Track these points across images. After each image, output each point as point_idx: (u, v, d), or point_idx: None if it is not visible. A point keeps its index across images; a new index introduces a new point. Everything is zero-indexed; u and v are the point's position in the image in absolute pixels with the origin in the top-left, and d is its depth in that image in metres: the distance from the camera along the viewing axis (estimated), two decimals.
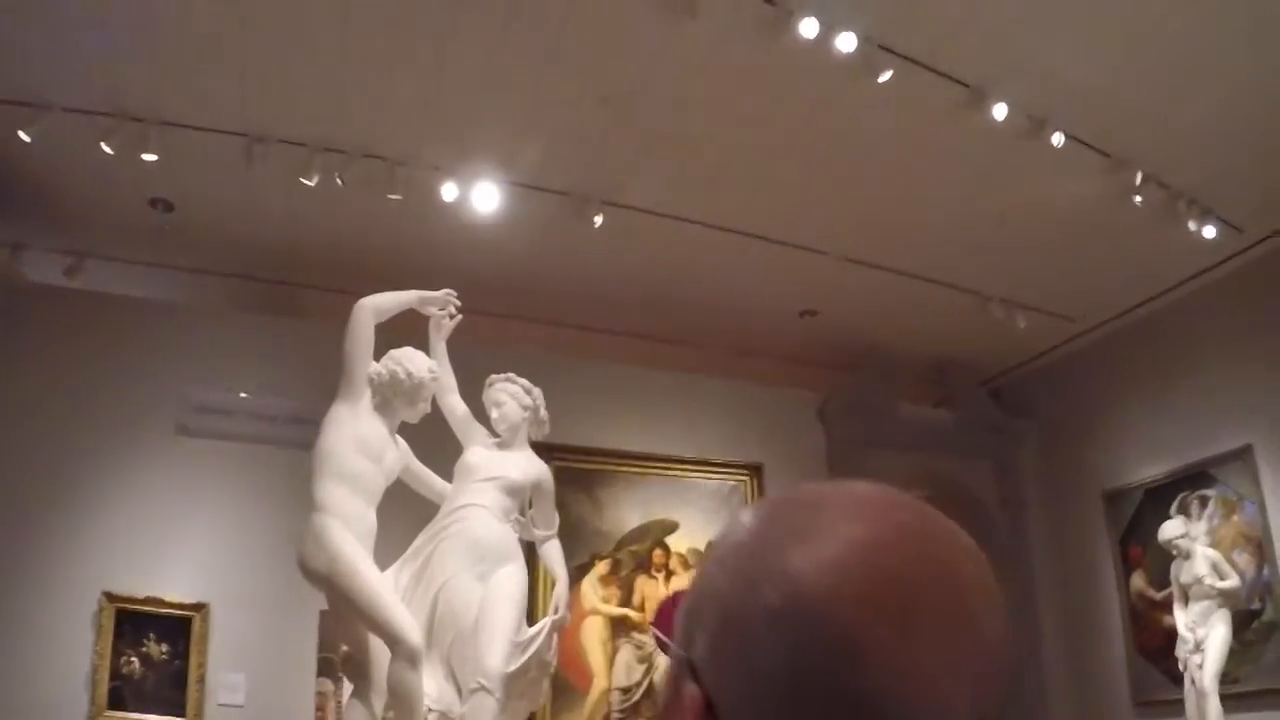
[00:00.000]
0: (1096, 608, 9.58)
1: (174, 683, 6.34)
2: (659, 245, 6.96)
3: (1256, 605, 8.04)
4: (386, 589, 3.30)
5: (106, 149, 5.55)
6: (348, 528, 3.29)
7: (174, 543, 6.54)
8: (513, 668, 3.15)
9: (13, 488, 6.38)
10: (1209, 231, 6.98)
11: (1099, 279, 7.98)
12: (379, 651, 3.30)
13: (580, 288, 7.54)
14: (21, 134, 5.43)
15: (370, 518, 3.43)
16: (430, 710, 3.26)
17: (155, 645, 6.38)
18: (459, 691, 3.33)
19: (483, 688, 3.11)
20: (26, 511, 6.38)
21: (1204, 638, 5.77)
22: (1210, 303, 8.32)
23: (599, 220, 6.27)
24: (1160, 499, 8.59)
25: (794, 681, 0.53)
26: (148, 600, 6.37)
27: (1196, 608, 5.85)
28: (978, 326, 8.27)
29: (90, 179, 6.22)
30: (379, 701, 3.32)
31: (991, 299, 7.96)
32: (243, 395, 6.93)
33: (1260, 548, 7.89)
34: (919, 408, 9.62)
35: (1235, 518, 8.26)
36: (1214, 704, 5.59)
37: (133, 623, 6.35)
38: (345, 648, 3.48)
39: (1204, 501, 8.53)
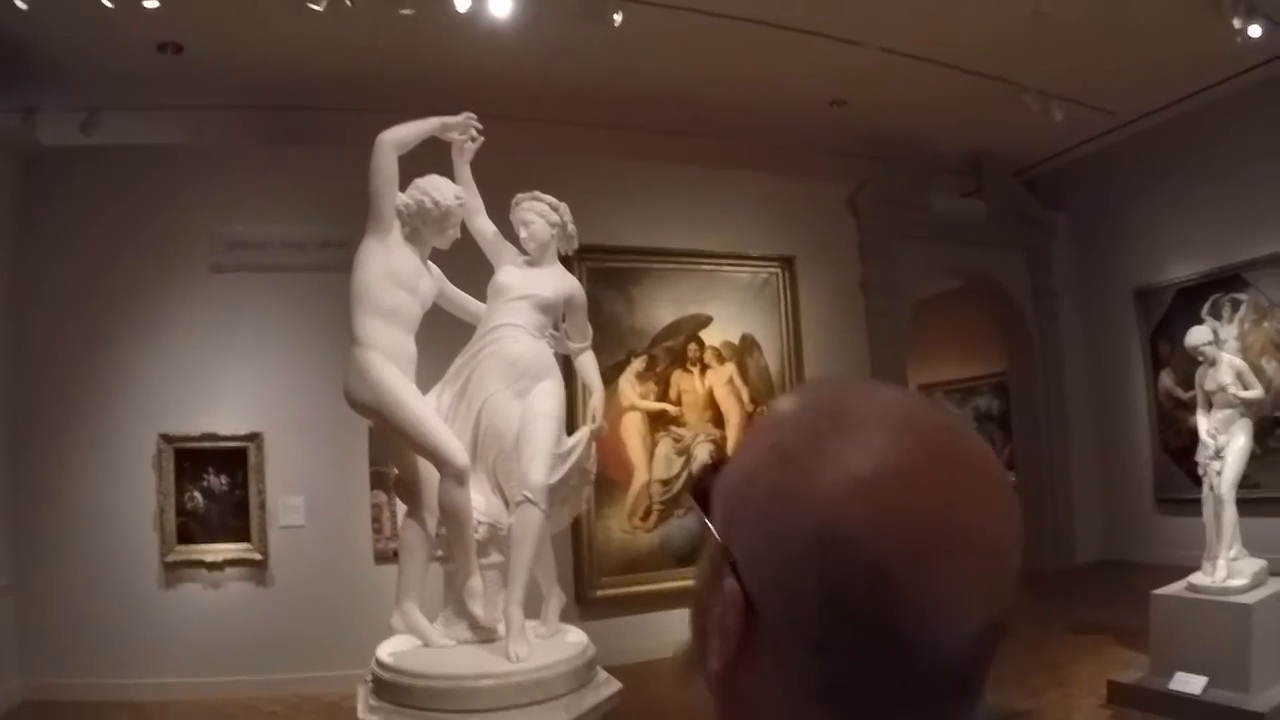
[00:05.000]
0: (1124, 404, 9.75)
1: (237, 511, 6.72)
2: (681, 40, 6.75)
3: None
4: (431, 414, 3.42)
5: (107, 2, 5.39)
6: (389, 359, 3.37)
7: (221, 378, 6.77)
8: (555, 479, 3.29)
9: (60, 348, 6.62)
10: (1254, 30, 6.70)
11: (1138, 73, 7.69)
12: (428, 473, 3.46)
13: (604, 88, 7.38)
14: (18, 1, 5.25)
15: (410, 346, 3.51)
16: (480, 523, 3.46)
17: (215, 478, 6.72)
18: (506, 504, 3.53)
19: (528, 500, 3.27)
20: (77, 369, 6.62)
21: (1224, 445, 5.71)
22: (1252, 103, 8.07)
23: (618, 18, 6.04)
24: (1192, 299, 8.65)
25: (828, 602, 0.57)
26: (203, 437, 6.68)
27: (1219, 415, 5.77)
28: (1012, 118, 8.08)
29: (95, 34, 6.09)
30: (431, 520, 3.52)
31: (1027, 89, 7.73)
32: (272, 227, 6.97)
33: None
34: (951, 199, 9.52)
35: (1266, 324, 8.29)
36: (1230, 511, 5.62)
37: (192, 459, 6.68)
38: (396, 471, 3.65)
39: (1236, 305, 8.49)
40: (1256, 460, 8.24)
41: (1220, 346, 7.77)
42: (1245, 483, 8.20)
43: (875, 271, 9.04)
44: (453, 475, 3.30)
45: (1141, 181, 9.38)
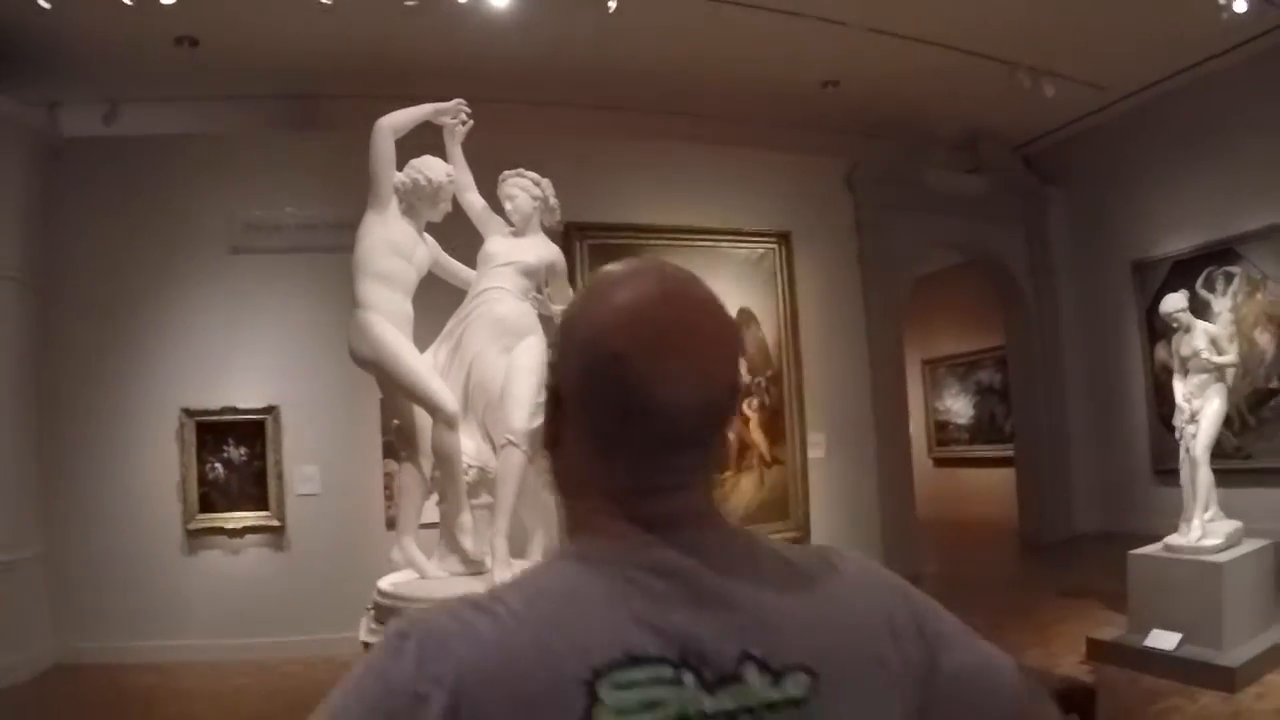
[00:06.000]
0: (1121, 377, 9.89)
1: (255, 481, 7.04)
2: (676, 25, 6.98)
3: (1275, 384, 8.31)
4: (425, 367, 3.72)
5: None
6: (388, 319, 3.70)
7: (240, 355, 7.08)
8: (536, 424, 3.56)
9: (86, 328, 6.94)
10: (1239, 5, 6.78)
11: (1130, 48, 7.86)
12: (423, 421, 3.76)
13: (602, 72, 7.61)
14: (42, 1, 5.58)
15: (407, 308, 3.82)
16: (470, 466, 3.77)
17: (235, 449, 7.04)
18: (494, 449, 3.81)
19: (511, 443, 3.55)
20: (102, 348, 6.94)
21: (1199, 409, 5.83)
22: (1243, 78, 8.20)
23: (613, 5, 6.27)
24: (1186, 272, 8.78)
25: (589, 381, 0.87)
26: (223, 410, 7.00)
27: (1195, 380, 5.90)
28: (1007, 95, 8.25)
29: (114, 29, 6.37)
30: (427, 464, 3.83)
31: (1018, 66, 7.90)
32: (286, 210, 7.27)
33: None
34: (949, 173, 9.66)
35: (1259, 296, 8.40)
36: (1205, 473, 5.74)
37: (212, 432, 7.01)
38: (396, 421, 3.95)
39: (1229, 278, 8.62)
40: (1250, 431, 8.44)
41: (1214, 318, 7.88)
42: (1238, 453, 8.40)
43: (871, 246, 9.18)
44: (444, 420, 3.61)
45: (1137, 156, 9.51)
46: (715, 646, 0.80)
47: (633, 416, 0.84)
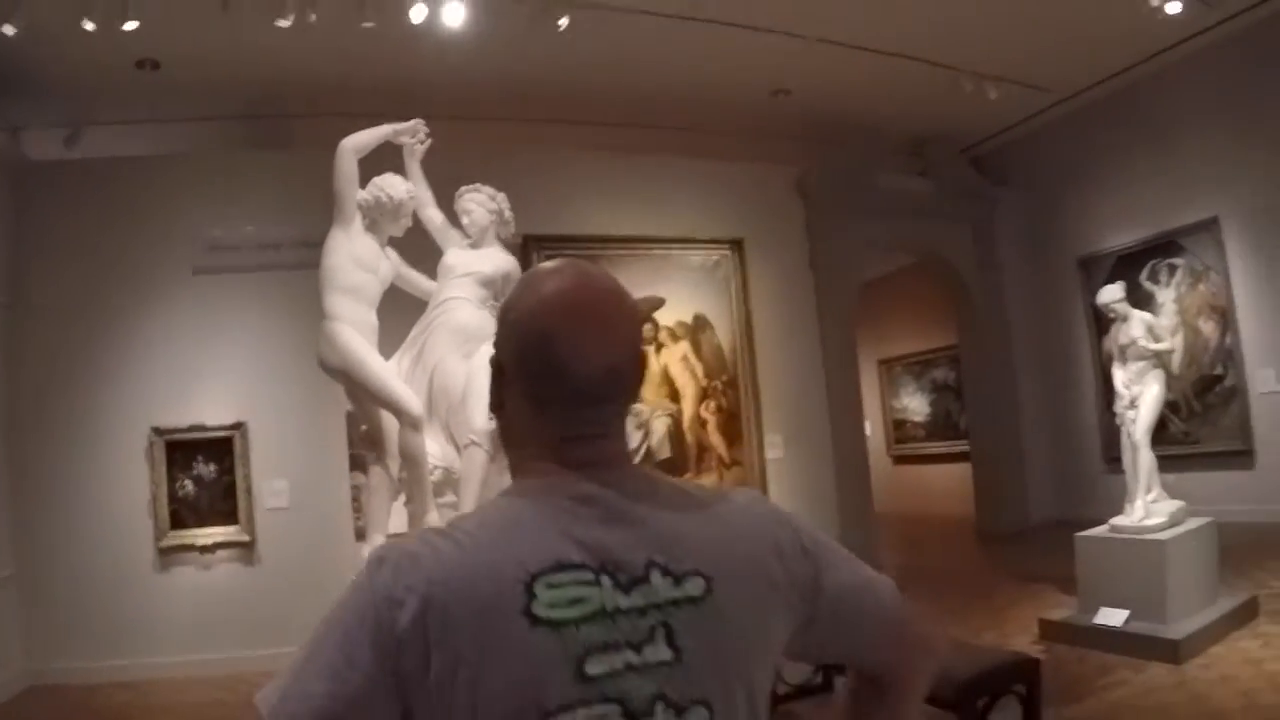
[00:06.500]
0: (1070, 370, 10.15)
1: (225, 496, 7.12)
2: (626, 38, 7.15)
3: (1219, 371, 8.59)
4: (389, 372, 3.91)
5: (88, 25, 5.80)
6: (354, 329, 3.88)
7: (206, 373, 7.17)
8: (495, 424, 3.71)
9: (53, 350, 7.00)
10: (1173, 7, 7.04)
11: (1070, 52, 8.13)
12: (390, 425, 3.94)
13: (554, 86, 7.79)
14: (6, 28, 5.68)
15: (372, 319, 4.01)
16: (435, 467, 3.94)
17: (204, 466, 7.12)
18: (457, 450, 3.97)
19: (474, 443, 3.75)
20: (70, 370, 7.00)
21: (1139, 394, 6.02)
22: (1182, 77, 8.51)
23: (564, 23, 6.48)
24: (1131, 266, 9.05)
25: (522, 352, 1.07)
26: (191, 428, 7.09)
27: (1133, 367, 6.07)
28: (954, 99, 8.47)
29: (77, 55, 6.47)
30: (394, 465, 4.00)
31: (961, 71, 8.14)
32: (248, 229, 7.37)
33: (1224, 316, 8.46)
34: (898, 176, 9.86)
35: (1201, 286, 8.67)
36: (1145, 454, 5.94)
37: (181, 450, 7.08)
38: (364, 426, 4.10)
39: (1172, 270, 8.91)
40: (1196, 417, 8.70)
41: (1158, 309, 8.11)
42: (1186, 439, 8.64)
43: (823, 250, 9.38)
44: (409, 423, 3.79)
45: (1081, 155, 9.78)
46: (627, 556, 0.99)
47: (557, 380, 1.05)
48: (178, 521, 7.05)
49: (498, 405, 1.14)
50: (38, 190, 7.13)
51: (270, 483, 7.13)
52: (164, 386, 7.09)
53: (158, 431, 7.03)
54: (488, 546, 0.98)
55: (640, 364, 1.13)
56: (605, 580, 0.97)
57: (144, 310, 7.18)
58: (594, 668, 0.94)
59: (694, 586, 1.00)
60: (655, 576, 0.99)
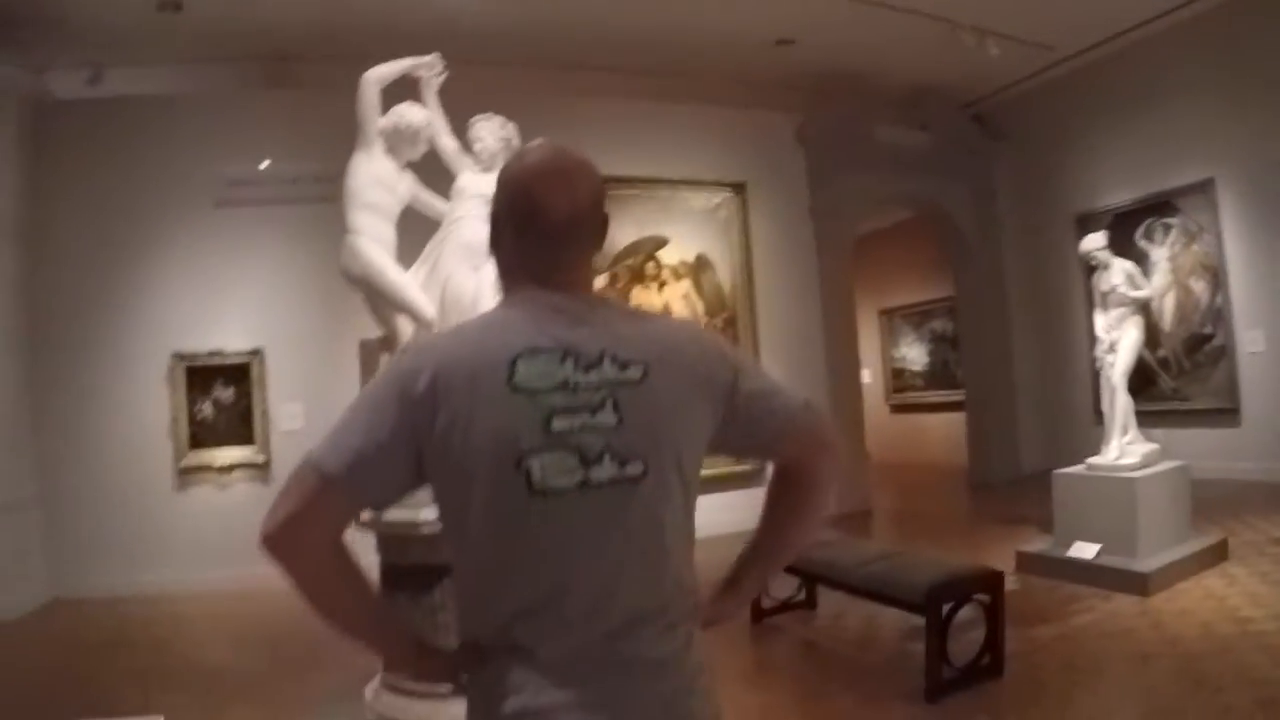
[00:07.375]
0: (1065, 325, 10.26)
1: (242, 419, 7.43)
2: None
3: (1209, 330, 8.75)
4: (406, 279, 4.16)
5: None
6: (375, 242, 4.17)
7: (226, 302, 7.44)
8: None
9: (78, 280, 7.26)
10: None
11: (1074, 10, 8.21)
12: (406, 329, 4.19)
13: (565, 31, 7.98)
14: None
15: (391, 234, 4.29)
16: None
17: (223, 390, 7.41)
18: None
19: None
20: (95, 298, 7.27)
21: (1118, 339, 6.17)
22: (1182, 38, 8.60)
23: None
24: (1127, 224, 9.16)
25: (510, 202, 1.39)
26: (211, 353, 7.38)
27: (1113, 313, 6.22)
28: (957, 55, 8.57)
29: None
30: None
31: (962, 27, 8.23)
32: (266, 164, 7.61)
33: (1215, 276, 8.60)
34: (898, 129, 9.94)
35: (1195, 247, 8.80)
36: (1122, 398, 6.11)
37: (201, 374, 7.38)
38: (382, 331, 4.39)
39: (1167, 229, 9.03)
40: (1186, 375, 8.85)
41: (1152, 268, 8.18)
42: (1176, 395, 8.82)
43: (822, 199, 9.53)
44: (424, 326, 4.09)
45: (1080, 114, 9.85)
46: (585, 348, 1.31)
47: (533, 221, 1.37)
48: (196, 443, 7.35)
49: (495, 244, 1.45)
50: (63, 127, 7.36)
51: (286, 406, 7.42)
52: (185, 314, 7.37)
53: (178, 357, 7.32)
54: (484, 337, 1.32)
55: (600, 218, 1.43)
56: (569, 362, 1.29)
57: (167, 241, 7.43)
58: (558, 424, 1.25)
59: (635, 372, 1.30)
60: (606, 362, 1.30)
